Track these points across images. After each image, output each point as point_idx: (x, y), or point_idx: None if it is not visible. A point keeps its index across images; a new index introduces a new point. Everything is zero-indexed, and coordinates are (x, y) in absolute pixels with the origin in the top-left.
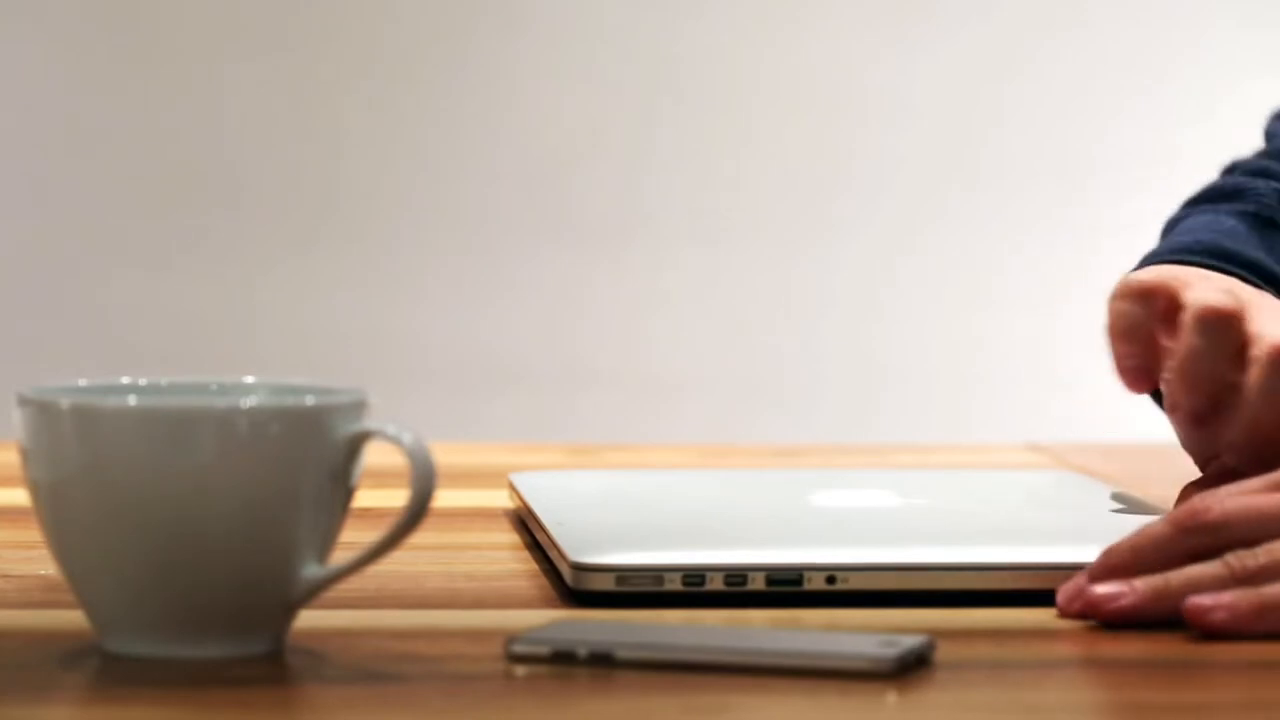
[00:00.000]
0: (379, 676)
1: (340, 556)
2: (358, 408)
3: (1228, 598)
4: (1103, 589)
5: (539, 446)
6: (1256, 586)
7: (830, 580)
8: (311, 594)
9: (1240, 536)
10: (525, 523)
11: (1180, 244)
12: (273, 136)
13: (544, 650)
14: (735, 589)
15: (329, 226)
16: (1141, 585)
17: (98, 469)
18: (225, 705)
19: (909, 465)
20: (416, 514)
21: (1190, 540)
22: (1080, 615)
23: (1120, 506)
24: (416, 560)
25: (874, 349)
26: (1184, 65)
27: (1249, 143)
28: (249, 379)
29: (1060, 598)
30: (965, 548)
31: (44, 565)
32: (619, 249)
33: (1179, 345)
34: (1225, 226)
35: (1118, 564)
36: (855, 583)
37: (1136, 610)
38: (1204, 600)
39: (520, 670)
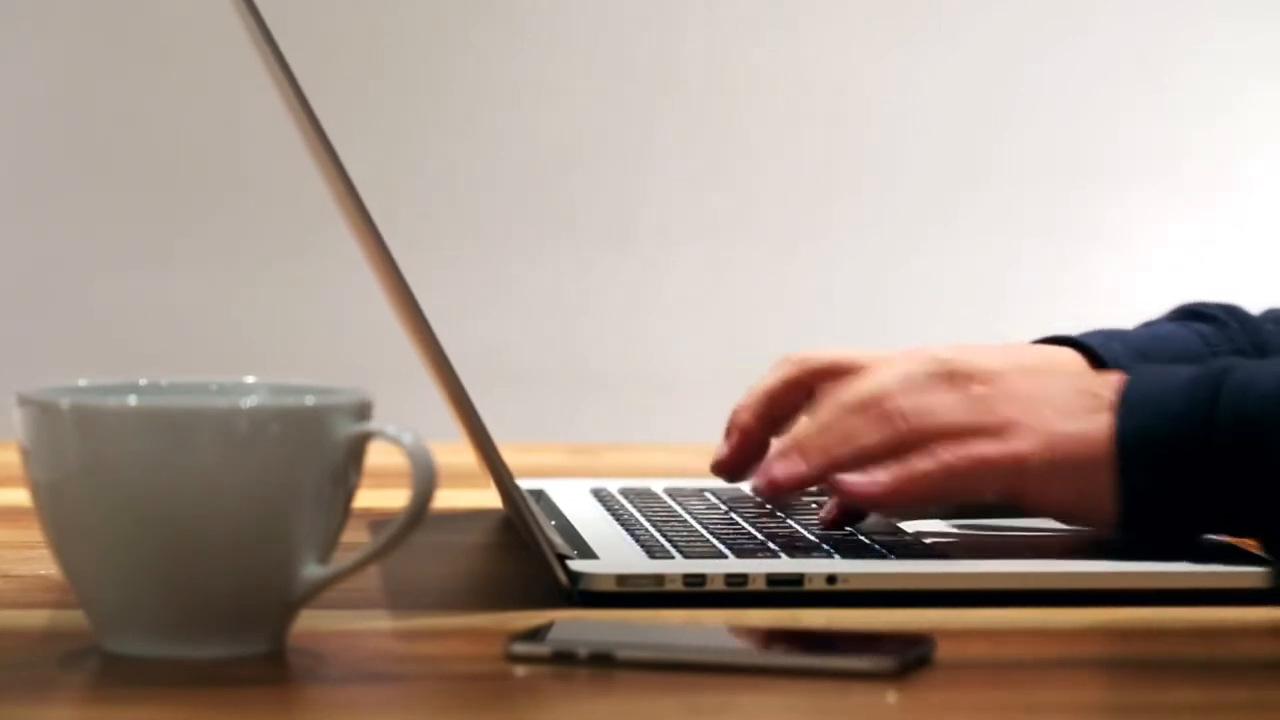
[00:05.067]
0: (379, 676)
1: (340, 556)
2: (358, 408)
3: (880, 474)
4: (780, 466)
5: (539, 446)
6: (905, 460)
7: (830, 580)
8: (311, 594)
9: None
10: (525, 523)
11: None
12: (273, 136)
13: (544, 650)
14: (735, 589)
15: (329, 226)
16: (815, 454)
17: (98, 469)
18: (225, 705)
19: None
20: (416, 514)
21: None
22: (769, 493)
23: None
24: (416, 560)
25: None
26: (1190, 67)
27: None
28: (249, 379)
29: (755, 479)
30: (965, 548)
31: (44, 565)
32: (620, 249)
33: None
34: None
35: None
36: (855, 583)
37: (806, 478)
38: (857, 478)
39: (520, 670)
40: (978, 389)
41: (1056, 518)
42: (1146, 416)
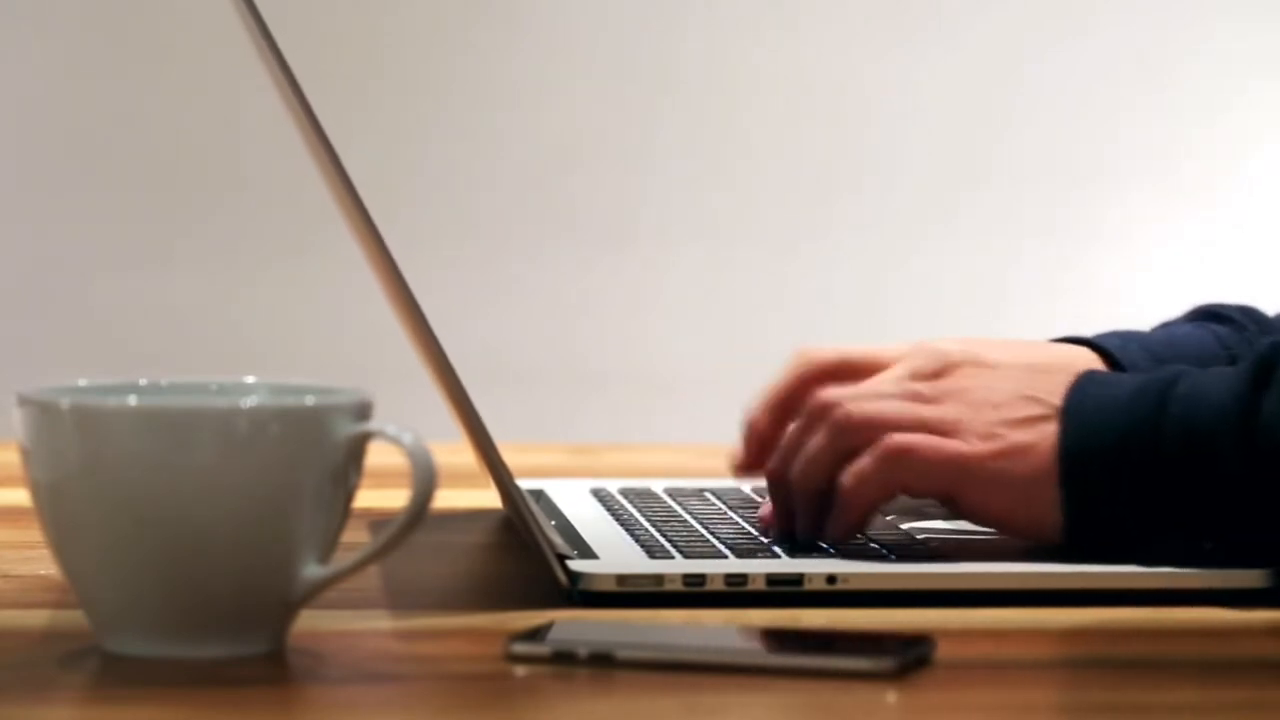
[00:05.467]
0: (379, 676)
1: (340, 556)
2: (358, 408)
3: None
4: (765, 506)
5: (539, 446)
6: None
7: (830, 580)
8: (311, 594)
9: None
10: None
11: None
12: (273, 136)
13: (544, 650)
14: (735, 589)
15: (329, 226)
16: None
17: (98, 469)
18: (225, 705)
19: None
20: (416, 514)
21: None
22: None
23: None
24: (416, 560)
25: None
26: (1190, 66)
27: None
28: (249, 379)
29: (759, 522)
30: (965, 548)
31: (44, 565)
32: (620, 249)
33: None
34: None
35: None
36: (855, 583)
37: (778, 513)
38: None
39: (520, 670)
40: (920, 386)
41: (997, 526)
42: (1091, 429)
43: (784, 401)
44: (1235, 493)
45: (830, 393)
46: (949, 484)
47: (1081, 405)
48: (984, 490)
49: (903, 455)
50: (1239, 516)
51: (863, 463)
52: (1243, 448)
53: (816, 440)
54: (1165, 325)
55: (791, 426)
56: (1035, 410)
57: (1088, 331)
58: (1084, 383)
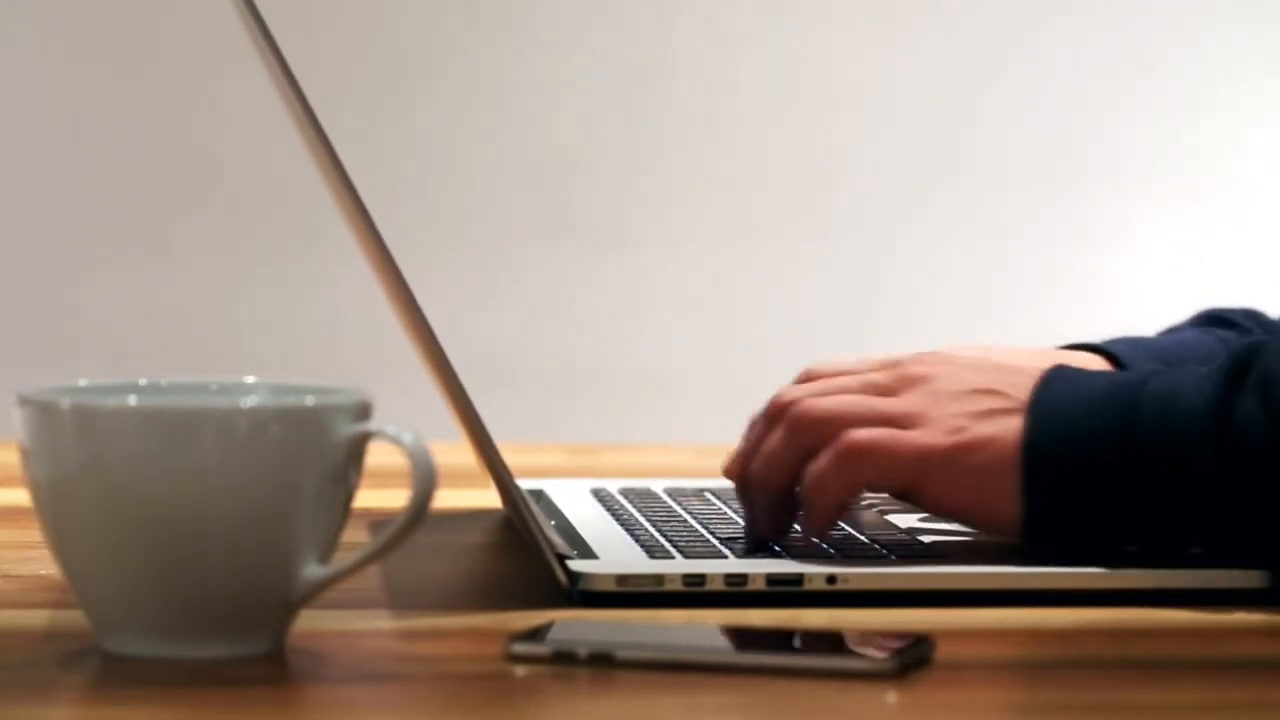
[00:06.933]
0: (379, 676)
1: (340, 556)
2: (358, 408)
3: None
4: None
5: (538, 446)
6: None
7: (830, 580)
8: (311, 594)
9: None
10: (525, 523)
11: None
12: (272, 136)
13: (544, 650)
14: (735, 589)
15: (329, 226)
16: (750, 494)
17: (98, 469)
18: (225, 705)
19: None
20: (417, 514)
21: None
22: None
23: None
24: (416, 560)
25: (871, 347)
26: (1178, 63)
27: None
28: (249, 379)
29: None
30: (965, 549)
31: (44, 565)
32: (617, 248)
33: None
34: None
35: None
36: (855, 583)
37: (761, 515)
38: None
39: (520, 670)
40: (879, 376)
41: (957, 518)
42: (1056, 424)
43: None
44: (1207, 494)
45: (789, 390)
46: (909, 477)
47: (1047, 400)
48: (944, 482)
49: (861, 452)
50: (1210, 518)
51: (821, 462)
52: (1217, 450)
53: (774, 439)
54: (1171, 331)
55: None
56: (999, 404)
57: (1090, 332)
58: (1051, 378)
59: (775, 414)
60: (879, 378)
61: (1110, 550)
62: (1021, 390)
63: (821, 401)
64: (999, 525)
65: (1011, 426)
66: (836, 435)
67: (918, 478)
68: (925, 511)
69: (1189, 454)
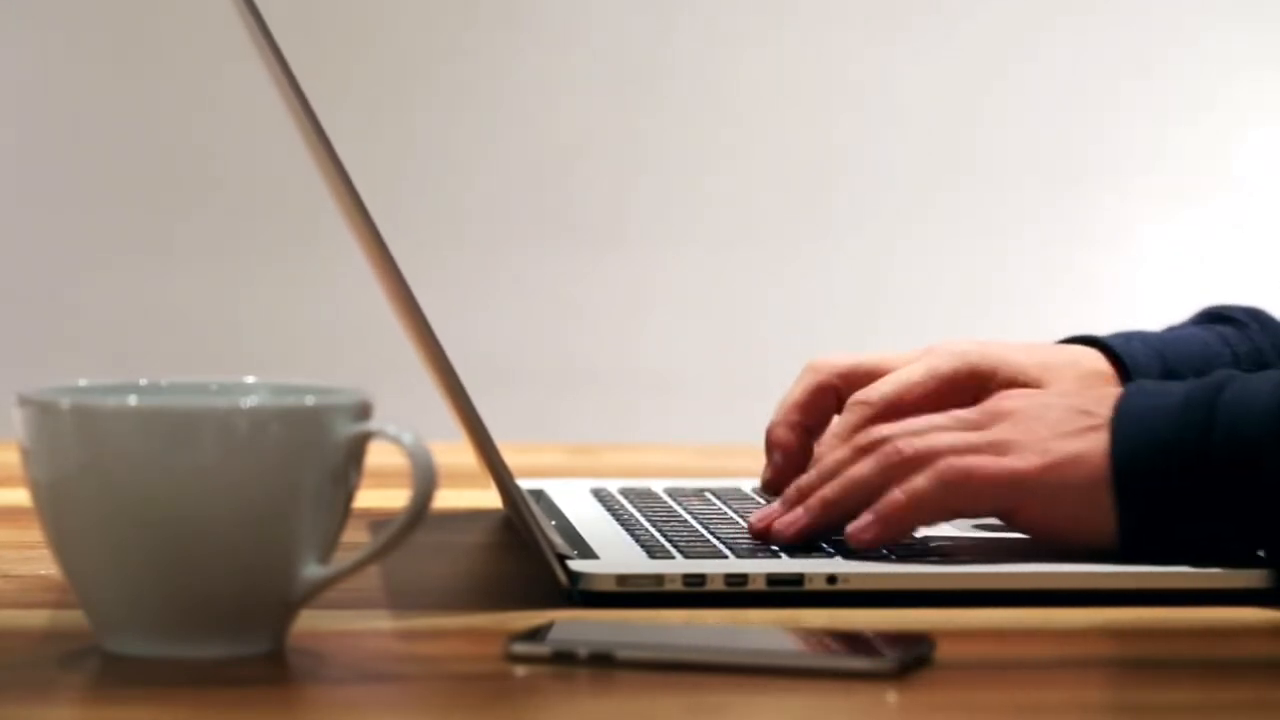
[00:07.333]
0: (379, 676)
1: (340, 556)
2: (358, 408)
3: (868, 516)
4: (783, 519)
5: (538, 446)
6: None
7: (830, 580)
8: (311, 594)
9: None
10: (526, 523)
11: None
12: (273, 136)
13: (544, 650)
14: (735, 589)
15: (329, 226)
16: (813, 501)
17: (98, 469)
18: (225, 705)
19: None
20: (417, 514)
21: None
22: (763, 537)
23: None
24: (416, 560)
25: (872, 347)
26: (1178, 63)
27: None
28: (249, 379)
29: (753, 519)
30: (966, 549)
31: (44, 565)
32: (617, 248)
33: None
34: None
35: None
36: (855, 583)
37: (811, 528)
38: (853, 529)
39: (520, 670)
40: (969, 414)
41: (1055, 539)
42: (1141, 435)
43: (802, 412)
44: (1274, 497)
45: (881, 429)
46: (1006, 502)
47: (1130, 412)
48: (1040, 504)
49: (961, 480)
50: (1276, 520)
51: (918, 482)
52: None
53: (863, 467)
54: (1172, 328)
55: (832, 453)
56: (1085, 422)
57: (1089, 329)
58: (1133, 392)
59: (867, 448)
60: (969, 414)
61: (1197, 555)
62: (1105, 407)
63: (918, 440)
64: (1097, 540)
65: (1099, 442)
66: (934, 463)
67: (1014, 503)
68: (1022, 534)
69: (1258, 458)
